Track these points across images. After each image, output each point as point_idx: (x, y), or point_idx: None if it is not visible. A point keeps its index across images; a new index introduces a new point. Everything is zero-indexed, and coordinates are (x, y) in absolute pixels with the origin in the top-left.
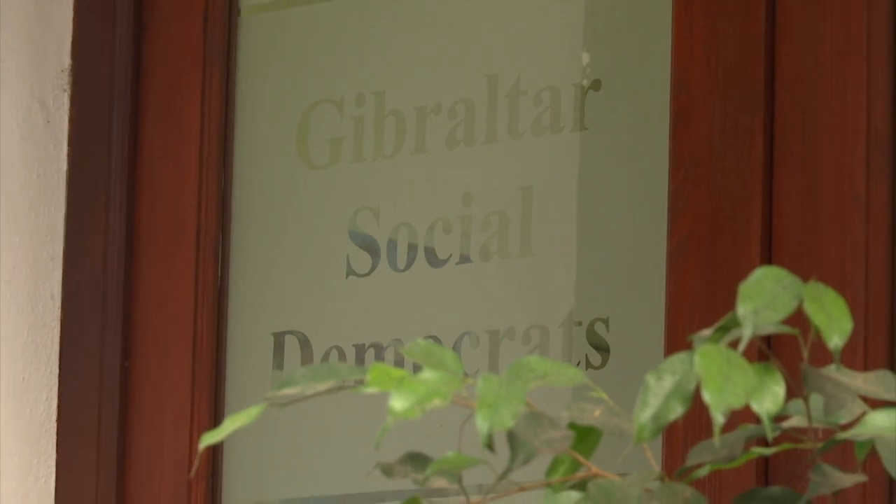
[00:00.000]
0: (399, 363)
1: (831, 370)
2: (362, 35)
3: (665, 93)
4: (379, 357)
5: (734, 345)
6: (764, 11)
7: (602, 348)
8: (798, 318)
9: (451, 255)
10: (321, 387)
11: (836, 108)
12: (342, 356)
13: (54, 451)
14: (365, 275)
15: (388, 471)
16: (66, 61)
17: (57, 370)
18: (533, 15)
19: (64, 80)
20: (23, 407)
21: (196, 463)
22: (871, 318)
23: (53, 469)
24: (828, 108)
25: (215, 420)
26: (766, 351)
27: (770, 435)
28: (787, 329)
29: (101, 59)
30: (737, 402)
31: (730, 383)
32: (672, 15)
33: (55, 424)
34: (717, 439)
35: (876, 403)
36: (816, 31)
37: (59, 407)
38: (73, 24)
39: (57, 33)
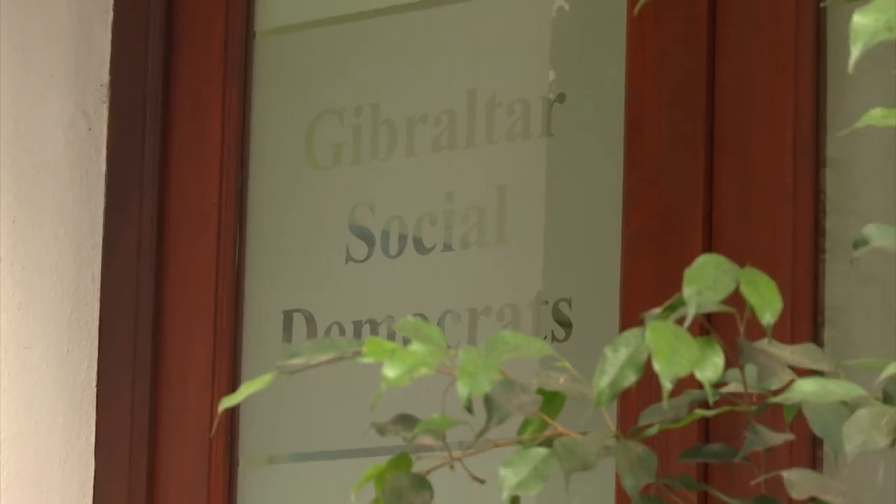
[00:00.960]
0: (391, 337)
1: (764, 343)
2: (360, 55)
3: (620, 105)
4: (374, 332)
5: (680, 321)
6: (705, 35)
7: (566, 324)
8: (735, 299)
9: (436, 244)
10: (324, 358)
11: (768, 118)
12: (342, 331)
13: (94, 413)
14: (362, 261)
15: (381, 430)
16: (106, 77)
17: (97, 343)
18: (506, 38)
19: (103, 94)
20: (67, 375)
21: (216, 422)
22: (798, 299)
23: (93, 428)
24: (760, 118)
25: (233, 386)
26: (708, 327)
27: (711, 399)
28: (725, 308)
29: (135, 75)
30: (682, 371)
31: (676, 355)
32: (626, 38)
33: (95, 390)
34: (665, 403)
35: (802, 372)
36: (751, 51)
37: (98, 375)
38: (112, 46)
39: (97, 53)
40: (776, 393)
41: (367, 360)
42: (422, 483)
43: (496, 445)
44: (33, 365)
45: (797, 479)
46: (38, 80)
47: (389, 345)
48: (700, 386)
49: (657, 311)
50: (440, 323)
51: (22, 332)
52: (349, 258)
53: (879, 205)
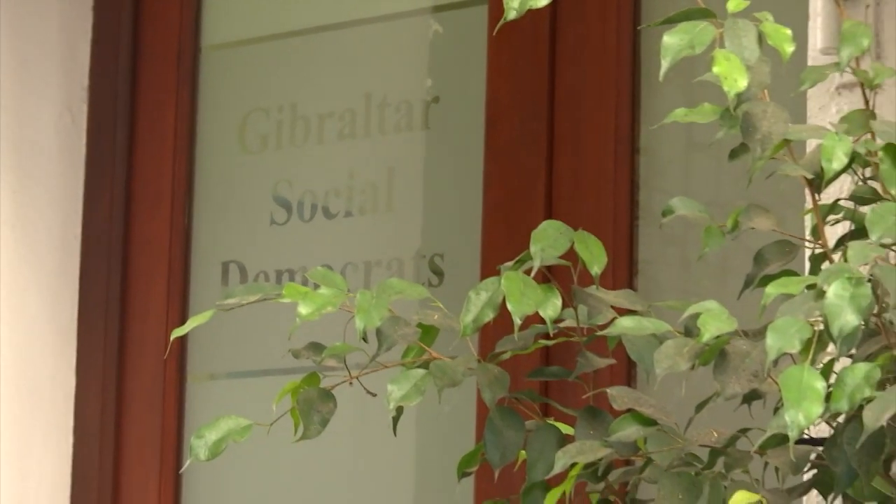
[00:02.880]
0: (304, 283)
1: (592, 289)
2: (283, 65)
3: (481, 105)
4: (291, 279)
5: (528, 272)
6: (547, 51)
7: (439, 273)
8: (570, 255)
9: (339, 212)
10: (252, 298)
11: (595, 116)
12: (267, 278)
13: (75, 341)
14: (283, 224)
15: (296, 354)
16: (86, 82)
17: (78, 287)
18: (394, 53)
19: (84, 95)
20: (55, 311)
21: (168, 347)
22: (618, 256)
23: (75, 352)
24: (589, 117)
25: (182, 319)
26: (549, 276)
27: (551, 331)
28: (562, 261)
29: (109, 80)
30: (529, 310)
31: (525, 297)
32: (486, 53)
33: (76, 323)
34: (515, 335)
35: (622, 311)
36: (582, 64)
37: (79, 311)
38: (91, 57)
39: (80, 63)
40: (602, 327)
41: (285, 300)
42: (327, 396)
43: (385, 367)
44: (29, 303)
45: (618, 394)
46: (34, 83)
47: (303, 289)
48: (543, 322)
49: (510, 264)
50: (342, 272)
51: (21, 278)
52: (273, 222)
53: (679, 183)
